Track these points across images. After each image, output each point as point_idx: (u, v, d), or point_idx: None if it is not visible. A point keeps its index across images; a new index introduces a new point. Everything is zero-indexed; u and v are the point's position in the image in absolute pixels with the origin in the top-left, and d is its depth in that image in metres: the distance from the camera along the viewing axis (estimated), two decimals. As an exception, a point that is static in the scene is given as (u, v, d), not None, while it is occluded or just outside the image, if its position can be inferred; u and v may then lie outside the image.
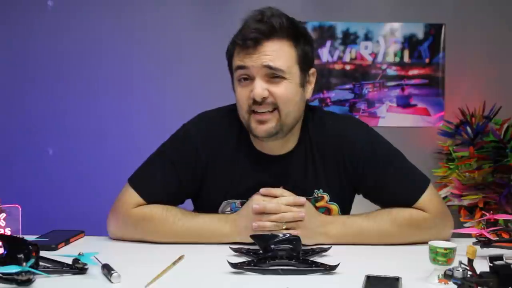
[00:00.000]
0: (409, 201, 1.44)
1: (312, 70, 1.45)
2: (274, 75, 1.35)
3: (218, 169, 1.46)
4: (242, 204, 1.44)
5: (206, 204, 1.49)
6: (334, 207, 1.48)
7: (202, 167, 1.46)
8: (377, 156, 1.47)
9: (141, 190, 1.44)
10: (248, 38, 1.34)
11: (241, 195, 1.45)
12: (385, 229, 1.41)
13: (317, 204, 1.46)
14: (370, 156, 1.46)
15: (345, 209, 1.52)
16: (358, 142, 1.47)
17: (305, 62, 1.41)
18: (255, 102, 1.36)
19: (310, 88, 1.45)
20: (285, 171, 1.46)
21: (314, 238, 1.38)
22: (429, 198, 1.44)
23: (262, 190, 1.40)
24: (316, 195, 1.46)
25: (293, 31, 1.38)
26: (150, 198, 1.44)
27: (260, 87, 1.34)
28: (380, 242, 1.41)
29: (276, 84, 1.36)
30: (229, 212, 1.47)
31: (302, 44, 1.40)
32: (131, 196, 1.44)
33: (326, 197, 1.47)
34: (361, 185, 1.49)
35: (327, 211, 1.47)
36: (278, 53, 1.36)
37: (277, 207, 1.36)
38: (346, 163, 1.46)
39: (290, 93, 1.37)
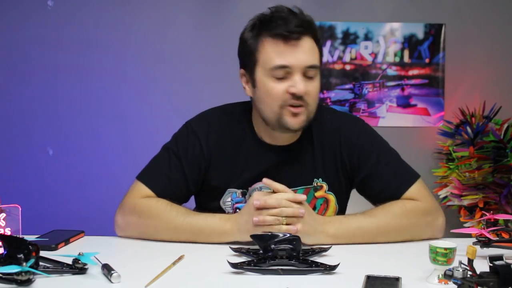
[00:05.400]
0: (400, 191, 1.47)
1: None
2: (310, 72, 1.40)
3: (222, 159, 1.50)
4: (242, 194, 1.48)
5: (212, 194, 1.51)
6: (332, 197, 1.52)
7: (206, 159, 1.50)
8: (372, 148, 1.51)
9: (149, 183, 1.47)
10: (293, 31, 1.37)
11: (244, 184, 1.48)
12: (384, 223, 1.41)
13: (316, 194, 1.50)
14: (365, 147, 1.51)
15: (342, 202, 1.56)
16: (354, 134, 1.52)
17: (321, 59, 1.48)
18: (294, 97, 1.39)
19: None
20: (287, 161, 1.50)
21: (314, 236, 1.38)
22: (418, 189, 1.48)
23: (265, 180, 1.40)
24: (315, 184, 1.50)
25: (315, 29, 1.44)
26: (158, 190, 1.47)
27: (302, 84, 1.39)
28: (380, 238, 1.41)
29: (311, 81, 1.42)
30: (229, 202, 1.50)
31: (320, 43, 1.47)
32: (140, 189, 1.47)
33: (325, 186, 1.51)
34: (356, 175, 1.52)
35: (325, 202, 1.51)
36: (313, 49, 1.42)
37: (277, 202, 1.36)
38: (343, 155, 1.51)
39: (318, 90, 1.45)
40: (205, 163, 1.50)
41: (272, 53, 1.39)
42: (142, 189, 1.47)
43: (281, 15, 1.40)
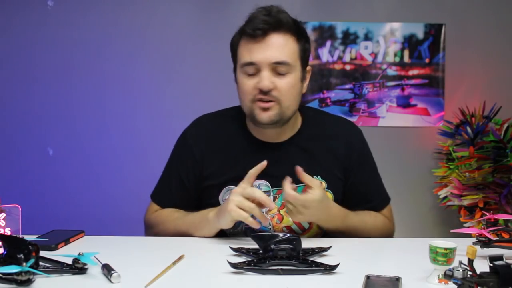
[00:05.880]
0: (378, 208, 1.61)
1: (308, 68, 1.56)
2: (280, 68, 1.45)
3: (216, 158, 1.56)
4: None
5: (211, 192, 1.55)
6: (330, 195, 1.55)
7: (198, 162, 1.57)
8: (368, 158, 1.63)
9: (156, 200, 1.64)
10: (257, 28, 1.44)
11: (241, 179, 1.50)
12: (369, 222, 1.56)
13: None
14: (363, 156, 1.61)
15: (338, 201, 1.57)
16: (356, 139, 1.62)
17: (305, 58, 1.52)
18: (261, 92, 1.45)
19: (305, 84, 1.56)
20: (283, 157, 1.54)
21: (333, 221, 1.48)
22: (389, 210, 1.65)
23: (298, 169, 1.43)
24: None
25: (296, 28, 1.49)
26: (163, 203, 1.62)
27: (267, 79, 1.44)
28: (358, 229, 1.52)
29: (281, 77, 1.46)
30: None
31: (303, 41, 1.51)
32: (151, 206, 1.65)
33: (324, 184, 1.54)
34: (346, 179, 1.58)
35: None
36: (285, 46, 1.46)
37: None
38: (341, 156, 1.57)
39: (292, 87, 1.48)
40: (199, 166, 1.57)
41: (244, 51, 1.47)
42: (153, 206, 1.64)
43: (254, 14, 1.47)
